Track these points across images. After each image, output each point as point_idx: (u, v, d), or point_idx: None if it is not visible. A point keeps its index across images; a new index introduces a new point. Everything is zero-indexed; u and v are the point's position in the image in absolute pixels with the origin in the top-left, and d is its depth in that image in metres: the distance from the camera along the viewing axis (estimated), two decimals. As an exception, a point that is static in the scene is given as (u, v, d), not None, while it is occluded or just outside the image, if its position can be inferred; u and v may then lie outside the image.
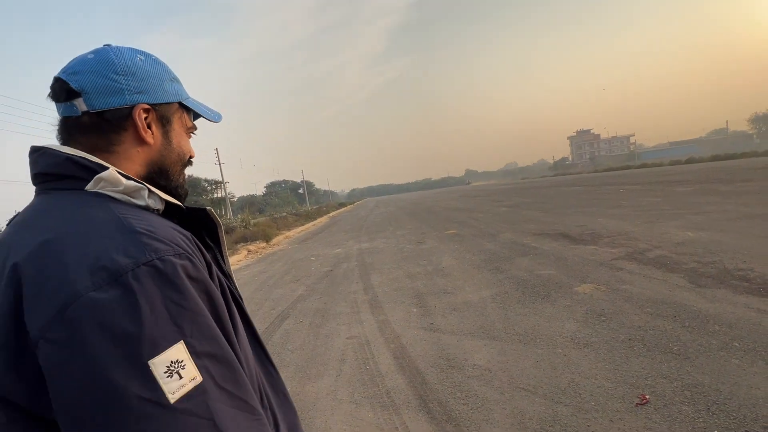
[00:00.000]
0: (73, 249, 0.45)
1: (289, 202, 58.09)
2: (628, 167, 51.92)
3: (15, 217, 0.57)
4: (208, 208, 0.64)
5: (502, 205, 16.00)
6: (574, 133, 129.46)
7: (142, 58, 0.62)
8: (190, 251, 0.50)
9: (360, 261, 7.72)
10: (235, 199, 57.53)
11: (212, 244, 0.65)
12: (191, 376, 0.43)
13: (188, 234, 0.55)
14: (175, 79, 0.66)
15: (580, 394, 2.23)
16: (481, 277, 5.09)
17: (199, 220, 0.64)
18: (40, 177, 0.56)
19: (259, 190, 78.05)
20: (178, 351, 0.43)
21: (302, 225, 21.56)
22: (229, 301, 0.56)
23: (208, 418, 0.43)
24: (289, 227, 20.31)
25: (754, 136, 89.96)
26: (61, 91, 0.57)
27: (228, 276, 0.64)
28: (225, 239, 0.67)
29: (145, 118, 0.61)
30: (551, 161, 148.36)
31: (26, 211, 0.55)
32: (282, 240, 15.31)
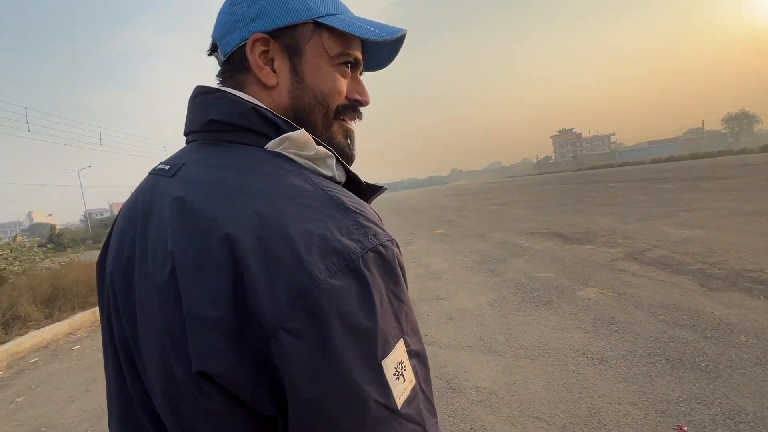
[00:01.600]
0: (294, 225, 0.37)
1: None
2: (611, 165, 52.90)
3: (171, 167, 0.46)
4: (384, 186, 0.55)
5: (490, 204, 15.83)
6: (557, 132, 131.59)
7: None
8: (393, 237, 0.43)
9: (346, 263, 7.32)
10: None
11: None
12: (410, 378, 0.38)
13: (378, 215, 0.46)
14: None
15: (605, 425, 1.90)
16: (476, 281, 4.77)
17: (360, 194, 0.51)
18: (216, 124, 0.47)
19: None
20: (401, 350, 0.38)
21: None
22: None
23: (421, 425, 0.38)
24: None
25: (728, 135, 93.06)
26: (211, 45, 0.52)
27: None
28: None
29: (265, 52, 0.48)
30: (535, 160, 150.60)
31: (203, 167, 0.44)
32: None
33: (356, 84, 0.53)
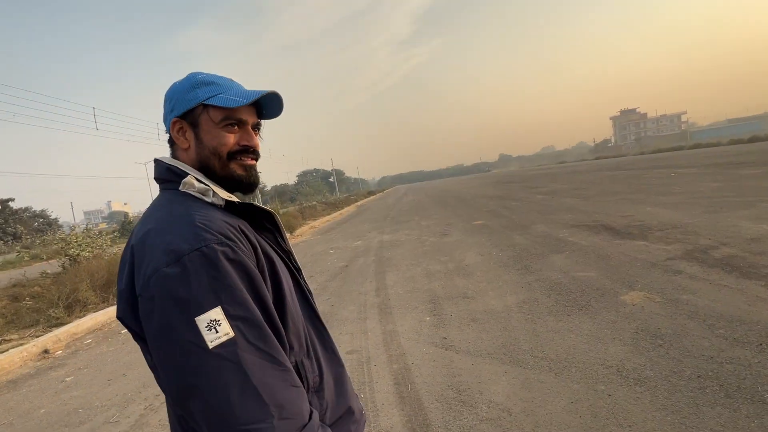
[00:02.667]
0: (160, 237, 0.66)
1: (319, 191, 58.60)
2: (680, 148, 47.76)
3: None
4: (254, 203, 0.79)
5: (537, 192, 14.94)
6: (618, 113, 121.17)
7: (182, 80, 0.80)
8: (233, 239, 0.67)
9: (378, 256, 7.25)
10: (268, 189, 58.67)
11: (271, 228, 0.82)
12: (225, 331, 0.60)
13: (237, 225, 0.70)
14: (200, 85, 0.77)
15: (631, 463, 1.63)
16: (508, 279, 4.46)
17: (262, 211, 0.79)
18: (157, 180, 0.79)
19: (291, 180, 79.41)
20: (216, 313, 0.61)
21: (329, 214, 21.38)
22: (277, 273, 0.74)
23: (235, 362, 0.60)
24: (315, 217, 20.19)
25: (830, 110, 79.99)
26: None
27: (288, 252, 0.84)
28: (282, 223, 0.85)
29: (181, 129, 0.78)
30: (592, 144, 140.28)
31: (149, 206, 0.77)
32: (306, 231, 15.13)
33: (245, 134, 0.78)
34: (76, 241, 8.56)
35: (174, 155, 0.80)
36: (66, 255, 8.29)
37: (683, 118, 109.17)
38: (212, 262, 0.62)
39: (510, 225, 8.23)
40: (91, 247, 8.81)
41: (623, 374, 2.27)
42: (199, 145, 0.76)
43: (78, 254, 8.36)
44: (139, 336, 0.69)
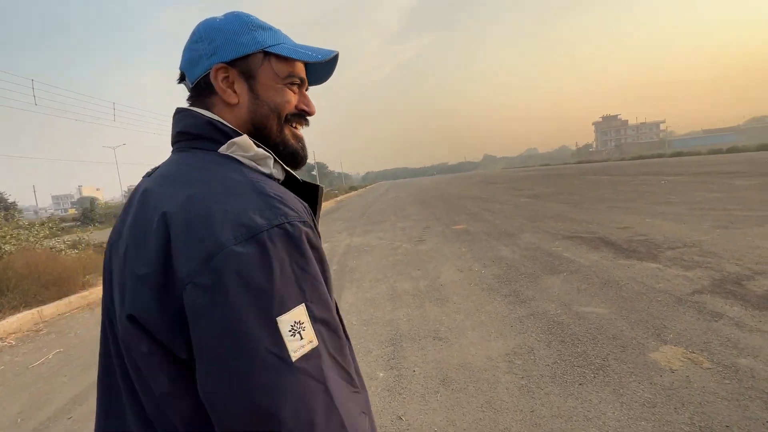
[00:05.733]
0: (217, 205, 0.48)
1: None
2: (661, 155, 48.30)
3: (154, 170, 0.61)
4: (321, 186, 0.64)
5: (522, 195, 14.13)
6: (600, 119, 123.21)
7: (221, 17, 0.62)
8: (311, 220, 0.52)
9: (340, 265, 6.17)
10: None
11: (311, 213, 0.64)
12: (309, 338, 0.45)
13: (306, 205, 0.55)
14: (256, 28, 0.62)
15: None
16: (492, 310, 3.47)
17: (305, 193, 0.62)
18: (181, 135, 0.61)
19: (272, 171, 76.96)
20: (301, 312, 0.45)
21: (303, 210, 20.13)
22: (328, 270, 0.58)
23: (321, 382, 0.44)
24: (288, 212, 18.93)
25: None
26: (181, 75, 0.64)
27: None
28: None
29: (226, 78, 0.60)
30: (574, 148, 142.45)
31: (168, 166, 0.58)
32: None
33: (303, 98, 0.66)
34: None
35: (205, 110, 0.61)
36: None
37: (662, 126, 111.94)
38: (297, 245, 0.47)
39: (494, 232, 7.28)
40: (17, 240, 7.46)
41: None
42: (255, 101, 0.61)
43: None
44: (158, 343, 0.47)
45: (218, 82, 0.59)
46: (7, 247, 7.08)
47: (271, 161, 0.59)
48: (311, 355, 0.44)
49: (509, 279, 4.31)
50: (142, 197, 0.55)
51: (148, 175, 0.61)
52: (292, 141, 0.64)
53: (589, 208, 9.02)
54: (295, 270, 0.46)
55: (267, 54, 0.61)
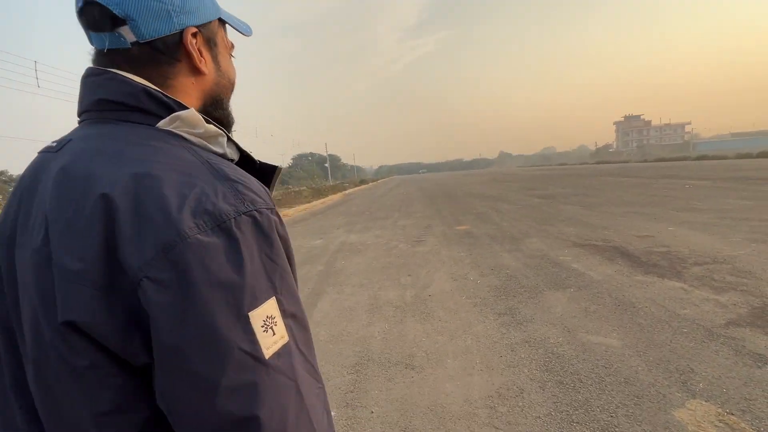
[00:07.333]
0: (171, 187, 0.40)
1: (312, 176, 56.77)
2: (685, 158, 46.30)
3: (61, 145, 0.47)
4: (280, 166, 0.57)
5: (535, 195, 13.42)
6: (621, 119, 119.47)
7: None
8: (275, 207, 0.47)
9: (328, 266, 5.70)
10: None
11: None
12: (281, 334, 0.41)
13: (267, 189, 0.48)
14: None
15: None
16: (482, 332, 2.95)
17: (261, 175, 0.53)
18: (104, 104, 0.48)
19: (286, 162, 77.25)
20: (272, 306, 0.41)
21: (309, 202, 19.80)
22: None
23: (293, 379, 0.41)
24: (292, 204, 18.62)
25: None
26: (103, 18, 0.46)
27: None
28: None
29: (195, 44, 0.51)
30: (593, 147, 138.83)
31: (90, 140, 0.46)
32: (275, 219, 13.55)
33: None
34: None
35: (149, 80, 0.49)
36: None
37: (687, 128, 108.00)
38: (266, 235, 0.42)
39: (498, 235, 6.71)
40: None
41: None
42: (218, 72, 0.55)
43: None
44: (105, 352, 0.39)
45: (195, 48, 0.51)
46: None
47: (224, 139, 0.51)
48: (282, 352, 0.40)
49: (507, 292, 3.77)
50: (59, 177, 0.43)
51: (53, 150, 0.47)
52: (233, 118, 0.59)
53: (606, 211, 8.34)
54: (265, 261, 0.41)
55: (222, 22, 0.56)
